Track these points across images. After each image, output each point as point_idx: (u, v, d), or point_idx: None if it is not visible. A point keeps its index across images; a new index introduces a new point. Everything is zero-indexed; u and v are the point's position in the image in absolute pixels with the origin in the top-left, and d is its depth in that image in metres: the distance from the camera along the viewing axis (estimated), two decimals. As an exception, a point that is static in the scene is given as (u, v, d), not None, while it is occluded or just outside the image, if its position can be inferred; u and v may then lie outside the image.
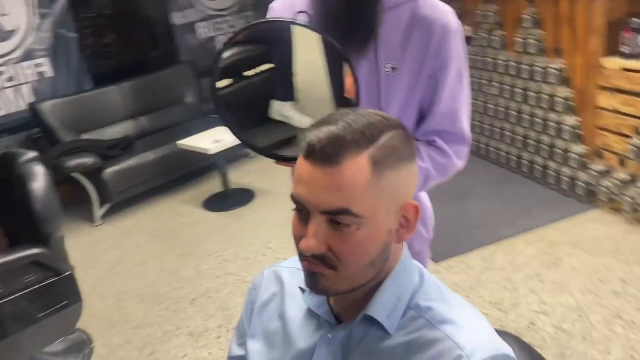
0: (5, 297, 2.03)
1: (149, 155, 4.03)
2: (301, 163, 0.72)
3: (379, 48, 1.14)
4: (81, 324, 2.64)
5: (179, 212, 3.88)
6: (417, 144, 1.23)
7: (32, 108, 4.02)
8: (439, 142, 1.19)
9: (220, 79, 1.20)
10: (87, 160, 3.65)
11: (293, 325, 0.87)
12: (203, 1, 5.40)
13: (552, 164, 3.35)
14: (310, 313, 0.85)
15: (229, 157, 4.31)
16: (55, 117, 4.02)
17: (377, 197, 0.70)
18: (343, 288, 0.74)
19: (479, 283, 2.56)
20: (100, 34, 5.27)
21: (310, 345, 0.83)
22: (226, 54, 1.17)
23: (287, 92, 1.32)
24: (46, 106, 4.03)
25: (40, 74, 4.32)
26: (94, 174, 3.77)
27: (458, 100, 1.18)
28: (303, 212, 0.73)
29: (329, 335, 0.80)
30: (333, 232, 0.71)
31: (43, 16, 4.29)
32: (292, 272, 0.93)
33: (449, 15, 1.15)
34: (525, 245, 2.85)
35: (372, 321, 0.77)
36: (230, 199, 3.92)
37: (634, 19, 2.73)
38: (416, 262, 0.84)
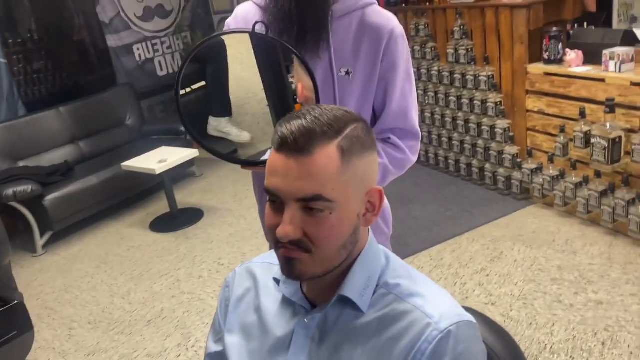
0: (-51, 331, 1.94)
1: (91, 180, 3.93)
2: (274, 156, 0.77)
3: (332, 53, 1.22)
4: (31, 356, 2.54)
5: (126, 236, 3.80)
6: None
7: (-37, 137, 3.84)
8: (394, 139, 1.28)
9: (179, 91, 1.23)
10: (26, 187, 3.51)
11: (269, 316, 0.91)
12: (139, 23, 5.36)
13: (488, 166, 3.55)
14: (285, 302, 0.90)
15: (174, 176, 4.28)
16: (-13, 145, 3.86)
17: (346, 183, 0.76)
18: (318, 271, 0.80)
19: (430, 281, 2.67)
20: (31, 59, 5.10)
21: (287, 332, 0.87)
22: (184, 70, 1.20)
23: (223, 109, 1.36)
24: (-23, 134, 3.87)
25: (-31, 101, 4.15)
26: (33, 202, 3.64)
27: (408, 99, 1.28)
28: (277, 203, 0.78)
29: (305, 320, 0.85)
30: (308, 218, 0.76)
31: (-30, 42, 4.13)
32: (264, 266, 0.97)
33: (394, 21, 1.25)
34: (469, 243, 3.00)
35: (346, 302, 0.82)
36: (178, 219, 3.88)
37: (554, 28, 2.97)
38: (381, 246, 0.91)
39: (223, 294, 1.00)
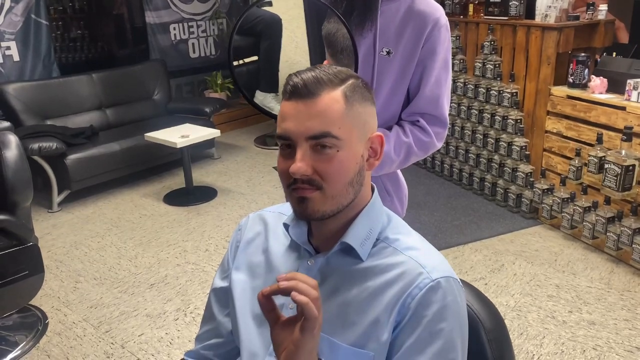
0: (-34, 261, 2.04)
1: (113, 146, 4.04)
2: (285, 104, 0.85)
3: (377, 33, 1.31)
4: (35, 301, 2.64)
5: (140, 205, 3.91)
6: (402, 123, 1.39)
7: (-4, 89, 3.97)
8: (422, 122, 1.36)
9: (233, 59, 1.31)
10: (51, 144, 3.63)
11: (275, 257, 0.98)
12: (178, 4, 5.49)
13: (501, 182, 3.59)
14: (292, 247, 0.97)
15: (193, 155, 4.38)
16: (19, 100, 3.99)
17: (351, 124, 0.84)
18: (329, 209, 0.86)
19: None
20: (70, 26, 5.26)
21: (291, 271, 0.94)
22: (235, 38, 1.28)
23: (271, 85, 1.43)
24: (11, 88, 4.01)
25: (7, 57, 4.29)
26: (56, 159, 3.76)
27: (442, 86, 1.36)
28: (289, 148, 0.85)
29: (309, 262, 0.92)
30: (317, 156, 0.83)
31: (16, 0, 4.28)
32: (275, 215, 1.05)
33: (440, 11, 1.34)
34: (472, 252, 3.04)
35: (347, 250, 0.89)
36: (192, 195, 3.98)
37: (582, 54, 3.02)
38: (385, 208, 0.97)
39: (235, 235, 1.07)
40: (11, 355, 2.31)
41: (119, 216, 3.72)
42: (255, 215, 1.07)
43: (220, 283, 1.06)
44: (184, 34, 5.60)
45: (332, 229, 0.91)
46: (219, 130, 4.08)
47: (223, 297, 1.04)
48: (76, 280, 2.90)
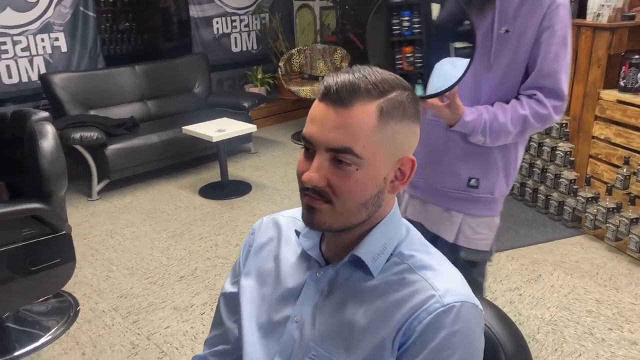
0: (0, 247, 2.09)
1: (152, 138, 4.10)
2: (316, 105, 0.80)
3: (496, 13, 1.35)
4: (69, 287, 2.70)
5: (175, 196, 3.95)
6: (519, 97, 1.41)
7: (43, 79, 4.09)
8: (539, 95, 1.38)
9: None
10: (92, 134, 3.71)
11: (286, 266, 0.94)
12: (222, -2, 5.53)
13: (543, 188, 3.45)
14: (303, 256, 0.92)
15: (230, 149, 4.40)
16: (65, 90, 4.10)
17: (379, 144, 0.77)
18: (336, 224, 0.82)
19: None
20: (117, 19, 5.38)
21: (299, 283, 0.90)
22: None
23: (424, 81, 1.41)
24: (58, 78, 4.12)
25: (55, 48, 4.41)
26: (96, 149, 3.84)
27: (560, 62, 1.37)
28: (310, 151, 0.80)
29: (318, 274, 0.88)
30: (334, 169, 0.78)
31: (66, -8, 4.39)
32: (289, 220, 1.01)
33: None
34: (508, 261, 2.93)
35: (358, 264, 0.84)
36: (227, 189, 3.99)
37: (636, 56, 2.84)
38: (404, 220, 0.92)
39: (247, 239, 1.04)
40: (42, 340, 2.37)
41: (155, 207, 3.78)
42: (269, 219, 1.04)
43: (230, 288, 1.03)
44: (227, 28, 5.63)
45: (345, 240, 0.86)
46: (255, 126, 4.07)
47: (232, 302, 1.01)
48: (109, 269, 2.95)
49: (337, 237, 0.86)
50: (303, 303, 0.88)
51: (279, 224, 1.01)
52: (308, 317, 0.85)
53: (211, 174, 4.34)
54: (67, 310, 2.59)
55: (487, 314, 0.93)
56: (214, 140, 3.72)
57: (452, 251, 1.55)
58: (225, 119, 4.13)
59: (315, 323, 0.84)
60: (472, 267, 1.59)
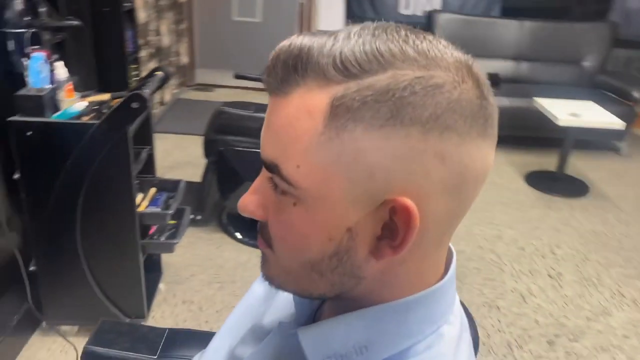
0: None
1: (503, 101, 3.73)
2: None
3: None
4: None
5: (500, 170, 3.57)
6: None
7: (429, 16, 4.15)
8: None
9: None
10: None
11: (281, 296, 0.67)
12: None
13: None
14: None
15: (586, 142, 3.68)
16: (443, 30, 4.07)
17: (331, 167, 0.41)
18: (282, 283, 0.51)
19: None
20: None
21: (273, 325, 0.63)
22: None
23: None
24: (442, 18, 4.11)
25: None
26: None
27: None
28: None
29: (288, 325, 0.59)
30: (274, 197, 0.46)
31: None
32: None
33: None
34: None
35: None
36: (559, 184, 3.36)
37: None
38: (445, 323, 0.50)
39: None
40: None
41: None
42: None
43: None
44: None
45: (338, 306, 0.53)
46: (624, 123, 3.20)
47: None
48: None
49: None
50: (264, 348, 0.62)
51: None
52: None
53: (547, 161, 3.69)
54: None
55: None
56: (560, 123, 3.10)
57: None
58: (591, 103, 3.39)
59: None
60: None
